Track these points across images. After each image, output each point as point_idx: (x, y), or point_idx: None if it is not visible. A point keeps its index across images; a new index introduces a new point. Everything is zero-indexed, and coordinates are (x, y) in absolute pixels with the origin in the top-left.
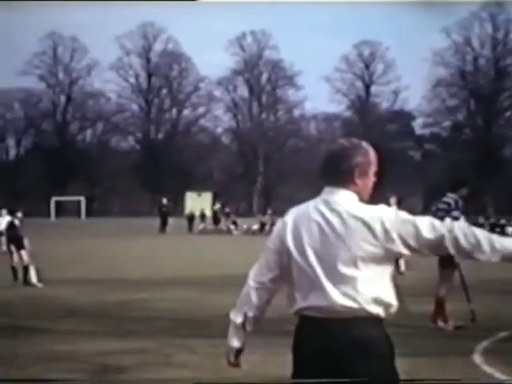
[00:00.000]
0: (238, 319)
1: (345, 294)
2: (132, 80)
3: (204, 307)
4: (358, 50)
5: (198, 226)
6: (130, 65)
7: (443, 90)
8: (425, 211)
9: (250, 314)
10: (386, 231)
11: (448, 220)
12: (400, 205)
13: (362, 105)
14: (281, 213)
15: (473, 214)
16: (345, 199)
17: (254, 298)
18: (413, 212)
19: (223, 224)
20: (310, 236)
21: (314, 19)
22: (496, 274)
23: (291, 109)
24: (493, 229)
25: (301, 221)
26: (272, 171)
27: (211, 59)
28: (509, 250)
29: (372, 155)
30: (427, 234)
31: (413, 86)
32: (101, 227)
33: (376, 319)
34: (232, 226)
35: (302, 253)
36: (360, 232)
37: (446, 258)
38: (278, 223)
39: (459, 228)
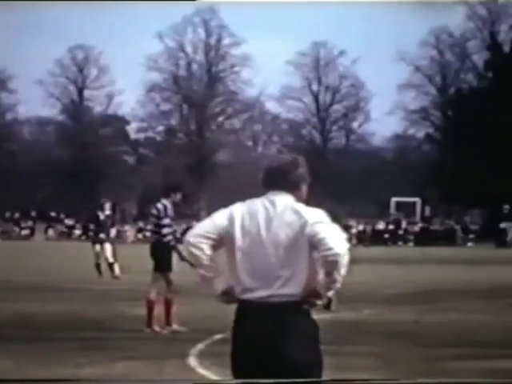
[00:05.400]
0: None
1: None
2: None
3: None
4: (72, 54)
5: None
6: None
7: (157, 95)
8: (140, 216)
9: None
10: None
11: None
12: (114, 210)
13: (76, 109)
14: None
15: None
16: (287, 199)
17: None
18: (129, 216)
19: None
20: (256, 226)
21: (26, 22)
22: None
23: (4, 112)
24: None
25: (249, 213)
26: None
27: None
28: None
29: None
30: None
31: (127, 90)
32: None
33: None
34: None
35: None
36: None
37: (157, 262)
38: (226, 211)
39: None
